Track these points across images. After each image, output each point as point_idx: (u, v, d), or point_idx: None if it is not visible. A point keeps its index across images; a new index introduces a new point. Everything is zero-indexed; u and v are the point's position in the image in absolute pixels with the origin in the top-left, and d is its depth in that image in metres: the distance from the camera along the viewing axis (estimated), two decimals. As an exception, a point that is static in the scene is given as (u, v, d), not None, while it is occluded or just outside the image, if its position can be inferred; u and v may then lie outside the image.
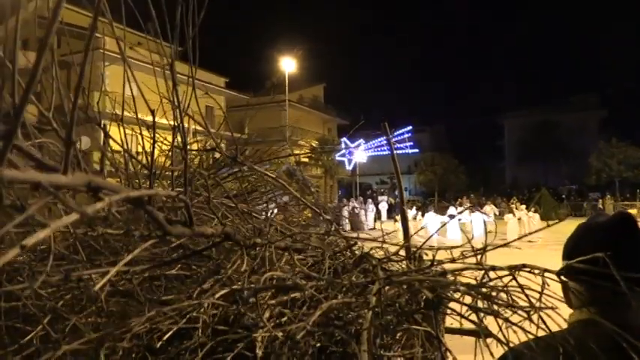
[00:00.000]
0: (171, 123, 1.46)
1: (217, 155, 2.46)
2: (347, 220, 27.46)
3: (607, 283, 1.10)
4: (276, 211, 2.26)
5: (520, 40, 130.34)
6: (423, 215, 19.90)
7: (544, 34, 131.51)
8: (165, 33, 1.24)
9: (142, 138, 1.98)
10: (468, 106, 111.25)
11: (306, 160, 43.60)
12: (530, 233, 1.77)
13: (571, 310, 1.34)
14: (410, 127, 40.89)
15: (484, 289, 1.30)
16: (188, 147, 1.57)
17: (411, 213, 20.55)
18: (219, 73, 39.13)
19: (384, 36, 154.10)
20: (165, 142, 2.04)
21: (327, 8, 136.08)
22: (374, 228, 28.25)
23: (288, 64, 36.75)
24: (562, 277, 1.26)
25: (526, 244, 18.55)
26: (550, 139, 56.40)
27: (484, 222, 18.25)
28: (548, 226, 1.56)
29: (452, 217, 17.87)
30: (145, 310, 1.27)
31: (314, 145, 43.85)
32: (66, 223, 0.68)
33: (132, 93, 1.70)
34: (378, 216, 32.68)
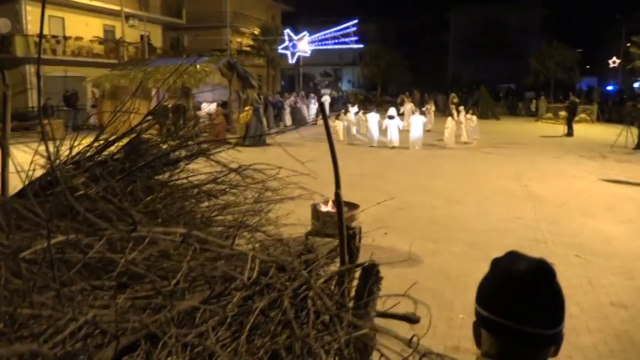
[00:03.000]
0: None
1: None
2: (288, 115, 27.25)
3: (520, 340, 1.17)
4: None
5: None
6: (365, 115, 19.92)
7: None
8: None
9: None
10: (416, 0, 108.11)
11: (248, 49, 41.97)
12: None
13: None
14: (355, 21, 39.59)
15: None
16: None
17: (353, 110, 20.53)
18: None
19: None
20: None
21: None
22: (315, 123, 28.22)
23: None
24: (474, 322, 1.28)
25: (463, 145, 19.20)
26: (493, 37, 56.71)
27: (422, 123, 18.53)
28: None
29: (391, 117, 18.02)
30: None
31: (257, 33, 42.02)
32: None
33: None
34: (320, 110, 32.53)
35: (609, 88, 54.20)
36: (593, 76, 58.54)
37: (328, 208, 7.46)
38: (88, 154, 2.25)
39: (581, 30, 63.68)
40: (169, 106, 19.90)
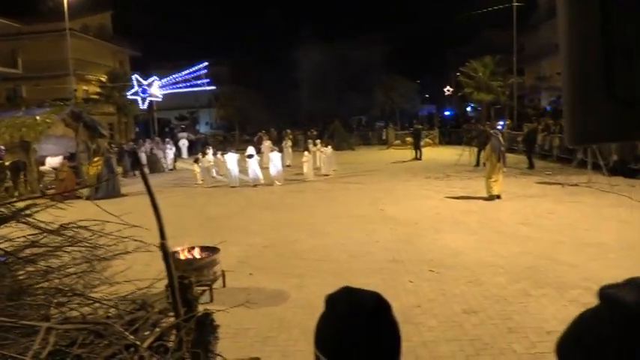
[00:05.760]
0: None
1: None
2: (145, 162, 26.16)
3: None
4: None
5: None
6: (223, 156, 19.79)
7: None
8: None
9: None
10: (267, 40, 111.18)
11: (96, 97, 39.93)
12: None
13: None
14: (206, 64, 39.59)
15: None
16: None
17: (210, 152, 20.27)
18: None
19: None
20: None
21: None
22: (174, 168, 27.40)
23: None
24: None
25: (322, 177, 19.81)
26: (341, 73, 60.01)
27: (281, 159, 18.89)
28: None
29: (250, 156, 18.12)
30: None
31: (103, 79, 40.21)
32: None
33: None
34: (178, 154, 31.59)
35: (447, 113, 59.94)
36: (432, 104, 64.23)
37: (188, 255, 7.20)
38: None
39: (418, 63, 69.77)
40: (6, 163, 18.19)
